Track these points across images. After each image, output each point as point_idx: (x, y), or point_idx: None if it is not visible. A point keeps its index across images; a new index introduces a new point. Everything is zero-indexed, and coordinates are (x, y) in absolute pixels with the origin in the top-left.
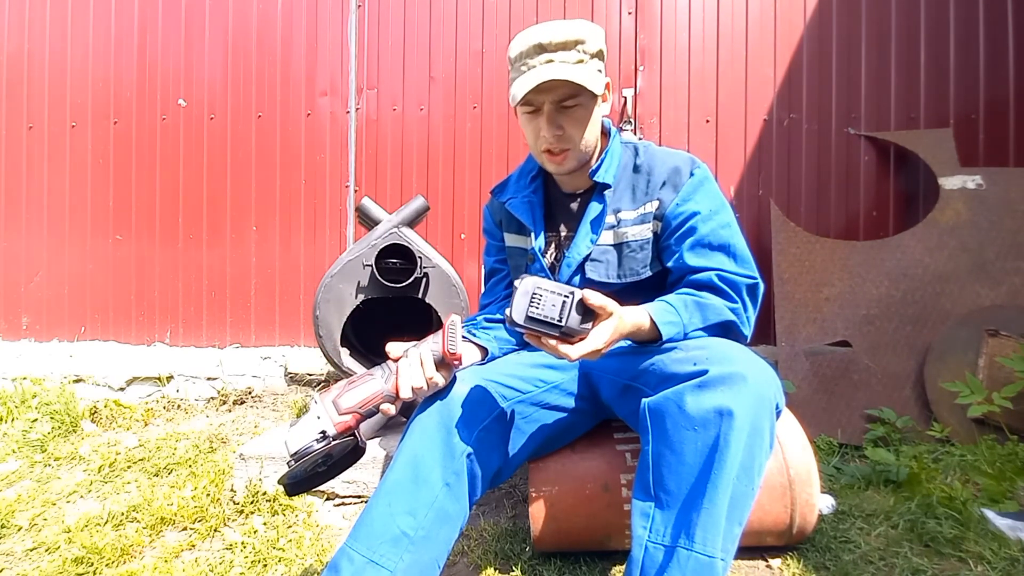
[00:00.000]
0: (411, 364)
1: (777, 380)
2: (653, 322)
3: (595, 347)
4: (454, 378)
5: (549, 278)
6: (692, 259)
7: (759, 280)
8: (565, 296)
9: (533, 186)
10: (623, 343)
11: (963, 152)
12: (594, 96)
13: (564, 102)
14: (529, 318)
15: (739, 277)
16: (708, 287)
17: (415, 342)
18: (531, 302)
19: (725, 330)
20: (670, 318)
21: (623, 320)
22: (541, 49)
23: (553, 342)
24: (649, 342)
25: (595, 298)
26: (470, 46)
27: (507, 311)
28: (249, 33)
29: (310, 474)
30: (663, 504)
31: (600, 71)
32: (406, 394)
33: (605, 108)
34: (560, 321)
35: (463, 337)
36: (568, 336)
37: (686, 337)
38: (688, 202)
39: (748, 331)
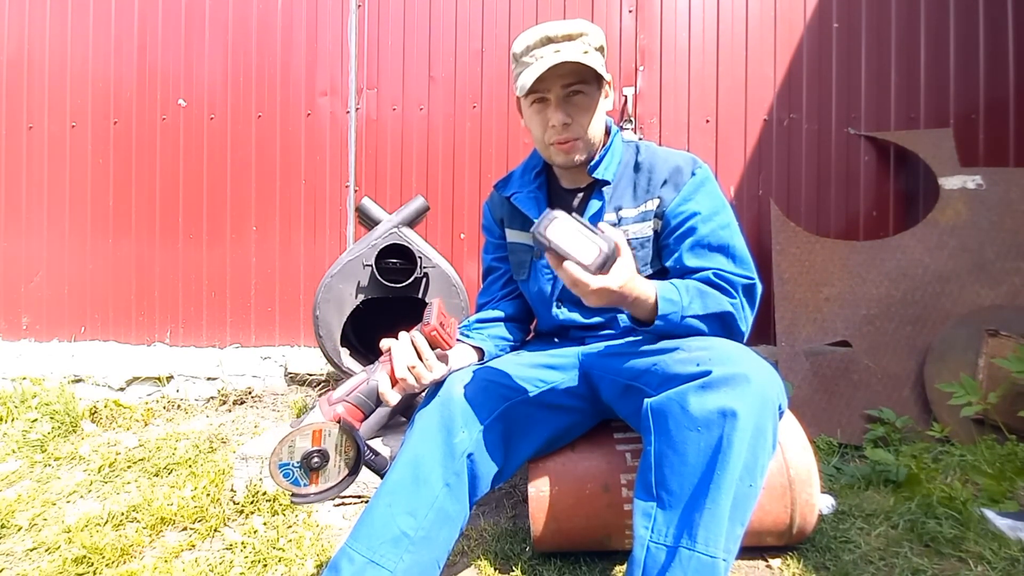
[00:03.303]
0: (402, 345)
1: (780, 381)
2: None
3: (610, 283)
4: (453, 379)
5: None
6: (691, 260)
7: (756, 281)
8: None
9: (537, 182)
10: (622, 340)
11: (963, 152)
12: (599, 87)
13: (572, 86)
14: (568, 214)
15: (736, 277)
16: (706, 284)
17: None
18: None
19: (723, 323)
20: (671, 296)
21: (635, 278)
22: (548, 40)
23: (576, 262)
24: (645, 322)
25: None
26: (470, 46)
27: (545, 211)
28: (249, 33)
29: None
30: (665, 504)
31: (603, 65)
32: (401, 373)
33: (608, 104)
34: (595, 228)
35: (457, 339)
36: (597, 244)
37: (683, 320)
38: (689, 202)
39: (745, 329)
